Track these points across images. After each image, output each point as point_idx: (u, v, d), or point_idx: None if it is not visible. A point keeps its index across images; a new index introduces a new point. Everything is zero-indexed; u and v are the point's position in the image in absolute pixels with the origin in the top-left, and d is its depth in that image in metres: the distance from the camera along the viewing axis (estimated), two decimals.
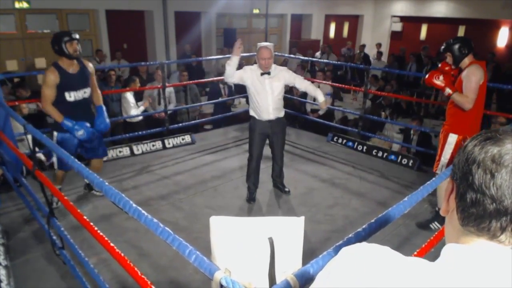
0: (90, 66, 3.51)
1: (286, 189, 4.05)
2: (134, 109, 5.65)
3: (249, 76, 3.57)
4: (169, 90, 5.82)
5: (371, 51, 11.93)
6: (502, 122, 4.52)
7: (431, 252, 2.08)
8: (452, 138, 3.20)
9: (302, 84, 3.75)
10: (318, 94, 3.74)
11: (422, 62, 10.05)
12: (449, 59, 3.17)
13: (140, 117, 5.77)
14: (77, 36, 3.27)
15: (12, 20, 7.87)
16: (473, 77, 3.00)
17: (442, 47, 3.22)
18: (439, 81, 3.15)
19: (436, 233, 2.01)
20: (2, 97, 3.88)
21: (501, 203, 0.58)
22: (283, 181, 4.09)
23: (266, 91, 3.56)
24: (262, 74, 3.54)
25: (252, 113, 3.73)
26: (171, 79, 7.47)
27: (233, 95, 6.73)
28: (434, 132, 5.28)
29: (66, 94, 3.28)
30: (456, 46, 3.08)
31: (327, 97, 6.85)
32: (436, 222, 3.38)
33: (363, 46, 11.42)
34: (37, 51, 8.28)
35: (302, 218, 1.09)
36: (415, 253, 1.86)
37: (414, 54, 10.13)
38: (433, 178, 1.84)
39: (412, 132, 5.53)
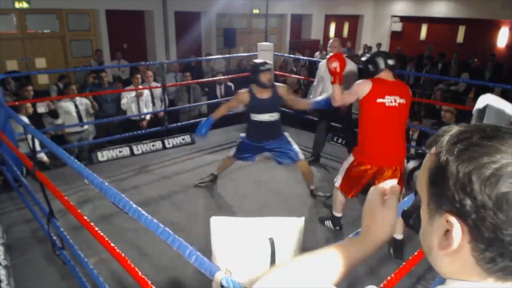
0: (282, 89, 3.65)
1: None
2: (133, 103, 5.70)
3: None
4: (146, 92, 5.76)
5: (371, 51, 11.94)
6: None
7: None
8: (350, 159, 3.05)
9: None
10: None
11: (422, 62, 10.06)
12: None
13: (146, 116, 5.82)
14: (270, 67, 3.57)
15: (12, 20, 7.87)
16: (357, 85, 2.87)
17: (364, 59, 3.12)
18: (332, 65, 2.97)
19: None
20: (2, 97, 3.88)
21: None
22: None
23: None
24: None
25: None
26: (166, 80, 7.47)
27: (232, 95, 6.72)
28: (433, 132, 5.28)
29: (252, 115, 3.67)
30: (368, 64, 2.96)
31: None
32: (329, 222, 3.37)
33: (369, 47, 11.51)
34: (37, 51, 8.28)
35: (302, 218, 1.09)
36: (415, 253, 1.86)
37: (413, 58, 10.17)
38: None
39: (411, 132, 5.52)
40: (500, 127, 0.53)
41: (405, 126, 2.93)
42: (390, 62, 2.84)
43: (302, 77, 7.13)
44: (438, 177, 0.53)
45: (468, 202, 0.49)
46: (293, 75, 7.24)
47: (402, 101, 2.78)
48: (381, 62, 2.84)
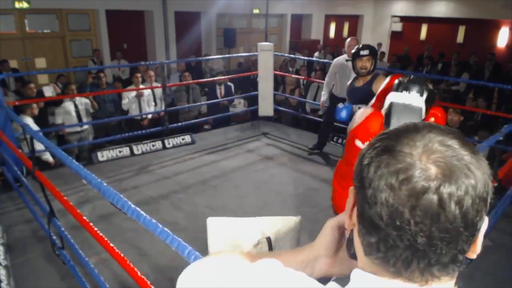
0: (377, 85, 3.20)
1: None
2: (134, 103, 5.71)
3: None
4: (148, 92, 5.76)
5: None
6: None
7: None
8: None
9: None
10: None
11: (422, 62, 10.06)
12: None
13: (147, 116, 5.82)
14: (366, 53, 3.31)
15: (12, 20, 7.87)
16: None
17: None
18: None
19: None
20: (2, 97, 3.88)
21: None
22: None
23: None
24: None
25: None
26: (171, 79, 7.48)
27: (232, 95, 6.73)
28: None
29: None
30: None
31: None
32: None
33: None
34: (37, 51, 8.28)
35: (299, 217, 1.09)
36: None
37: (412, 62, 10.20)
38: None
39: None
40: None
41: None
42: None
43: (302, 77, 7.14)
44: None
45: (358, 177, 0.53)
46: (293, 75, 7.26)
47: None
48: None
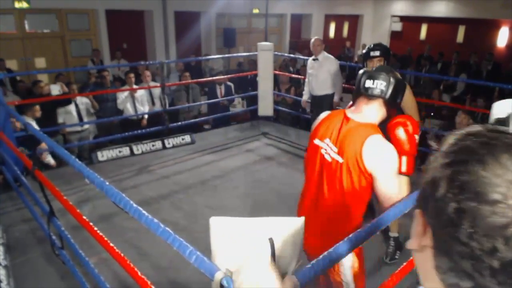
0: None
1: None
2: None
3: None
4: (141, 92, 5.73)
5: None
6: None
7: None
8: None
9: None
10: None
11: (421, 62, 10.06)
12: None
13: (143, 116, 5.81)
14: (377, 54, 2.98)
15: (12, 20, 7.86)
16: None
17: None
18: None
19: None
20: (2, 96, 3.88)
21: None
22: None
23: None
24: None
25: None
26: (171, 79, 7.48)
27: (232, 95, 6.72)
28: (431, 131, 5.29)
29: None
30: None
31: None
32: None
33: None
34: (37, 51, 8.27)
35: (302, 218, 1.09)
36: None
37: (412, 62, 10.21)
38: None
39: None
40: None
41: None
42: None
43: (302, 77, 7.13)
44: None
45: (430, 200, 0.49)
46: (291, 75, 7.27)
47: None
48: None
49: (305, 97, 5.20)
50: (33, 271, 2.79)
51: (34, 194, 2.95)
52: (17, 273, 2.70)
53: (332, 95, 4.91)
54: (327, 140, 1.77)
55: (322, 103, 4.79)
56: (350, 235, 1.22)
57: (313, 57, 4.92)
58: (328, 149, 1.76)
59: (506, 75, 8.65)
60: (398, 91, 1.72)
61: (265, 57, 5.64)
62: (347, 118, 1.74)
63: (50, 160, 4.46)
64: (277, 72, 6.67)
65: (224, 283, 1.01)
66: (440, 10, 12.25)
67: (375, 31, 14.17)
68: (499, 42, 11.62)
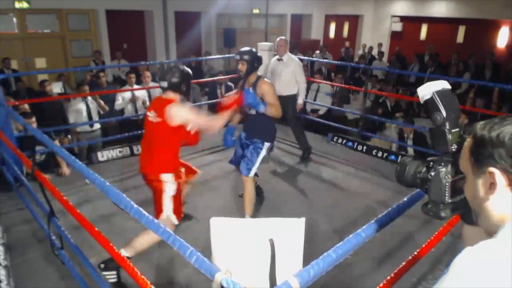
0: (263, 87, 3.25)
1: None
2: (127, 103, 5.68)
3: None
4: (142, 93, 5.67)
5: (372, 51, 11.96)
6: None
7: (432, 252, 2.08)
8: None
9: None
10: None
11: (424, 63, 10.04)
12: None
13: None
14: (237, 57, 3.29)
15: (12, 20, 7.87)
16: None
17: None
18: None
19: (435, 234, 2.01)
20: (3, 96, 3.88)
21: None
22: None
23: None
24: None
25: None
26: None
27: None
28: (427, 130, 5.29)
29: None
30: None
31: (327, 96, 6.86)
32: None
33: (370, 47, 11.57)
34: (37, 51, 8.28)
35: (303, 219, 1.09)
36: (415, 253, 1.86)
37: (418, 56, 10.15)
38: None
39: (405, 133, 5.50)
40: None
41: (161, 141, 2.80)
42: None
43: None
44: (478, 147, 0.76)
45: (502, 152, 0.72)
46: None
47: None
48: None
49: None
50: (33, 271, 2.79)
51: (34, 194, 2.95)
52: (17, 273, 2.69)
53: (295, 96, 4.96)
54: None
55: (286, 103, 4.54)
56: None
57: (277, 57, 4.97)
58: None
59: (506, 75, 8.65)
60: (183, 80, 2.91)
61: (265, 57, 5.64)
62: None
63: (65, 171, 4.21)
64: None
65: (224, 283, 1.01)
66: (440, 10, 12.26)
67: (375, 31, 14.17)
68: (499, 43, 11.62)
